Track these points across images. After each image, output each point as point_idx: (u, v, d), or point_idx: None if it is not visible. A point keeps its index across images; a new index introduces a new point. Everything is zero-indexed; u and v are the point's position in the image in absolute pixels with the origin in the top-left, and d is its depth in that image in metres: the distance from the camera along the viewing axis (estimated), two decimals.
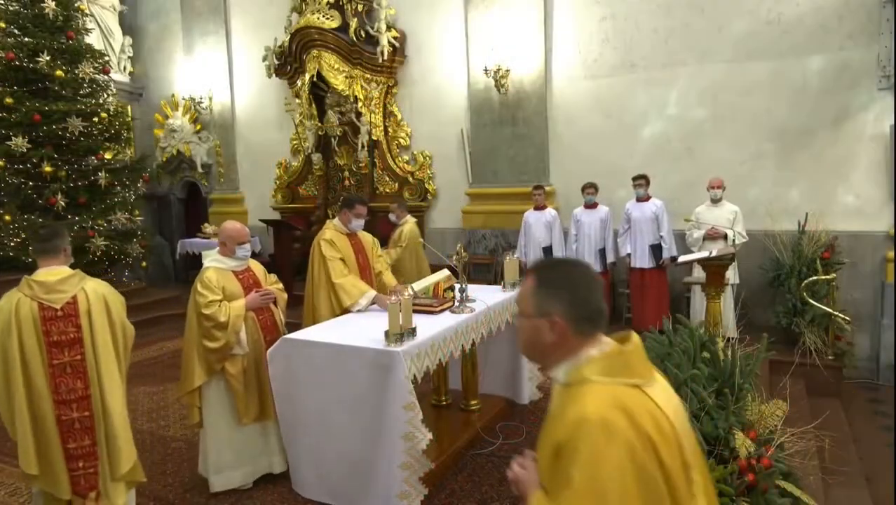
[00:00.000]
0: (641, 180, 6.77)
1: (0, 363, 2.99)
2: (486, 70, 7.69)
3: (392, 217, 6.95)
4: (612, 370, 1.32)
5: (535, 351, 1.46)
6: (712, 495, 1.43)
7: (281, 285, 4.16)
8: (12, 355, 2.96)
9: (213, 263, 3.81)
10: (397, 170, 8.87)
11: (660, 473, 1.22)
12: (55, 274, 3.11)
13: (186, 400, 3.85)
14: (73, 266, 3.29)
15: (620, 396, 1.28)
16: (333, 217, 5.01)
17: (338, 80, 8.67)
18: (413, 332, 3.47)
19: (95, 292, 3.17)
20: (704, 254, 4.99)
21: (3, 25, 8.36)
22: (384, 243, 6.36)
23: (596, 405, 1.26)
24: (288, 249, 8.85)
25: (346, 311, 4.29)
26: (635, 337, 1.40)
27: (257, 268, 4.02)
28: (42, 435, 3.02)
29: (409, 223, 6.82)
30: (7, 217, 8.06)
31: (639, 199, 6.85)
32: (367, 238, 4.83)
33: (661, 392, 1.37)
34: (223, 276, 3.76)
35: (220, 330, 3.62)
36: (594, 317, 1.39)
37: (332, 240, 4.53)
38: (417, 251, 6.69)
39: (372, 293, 4.35)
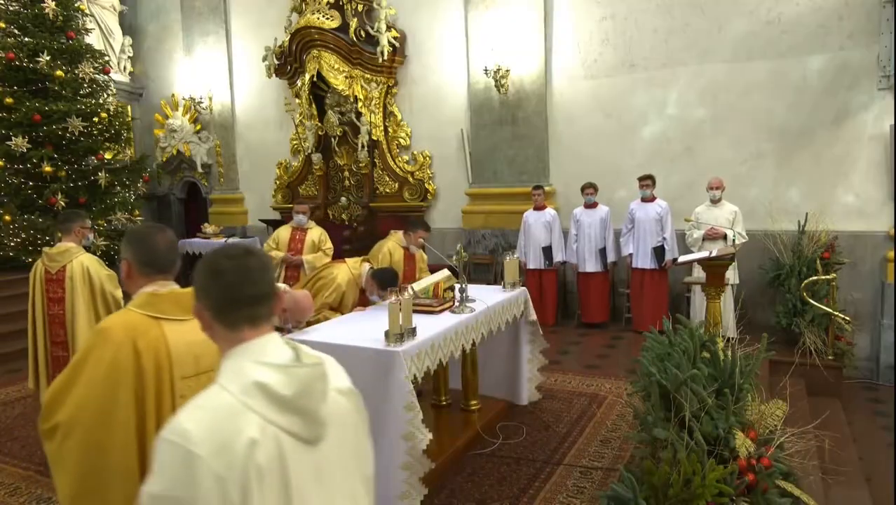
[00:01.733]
0: (648, 181, 6.75)
1: (30, 311, 4.13)
2: (486, 70, 7.69)
3: (302, 218, 6.72)
4: (142, 305, 1.86)
5: (124, 283, 2.01)
6: None
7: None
8: (31, 305, 4.10)
9: None
10: (397, 170, 8.87)
11: (135, 372, 1.76)
12: (59, 248, 4.11)
13: None
14: None
15: (132, 320, 1.82)
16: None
17: (338, 80, 8.67)
18: (413, 332, 3.47)
19: (82, 265, 4.08)
20: (704, 254, 4.98)
21: (2, 25, 8.36)
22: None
23: (111, 321, 1.87)
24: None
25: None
26: (182, 291, 1.90)
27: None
28: (40, 365, 4.13)
29: (315, 227, 6.84)
30: (7, 217, 8.06)
31: (644, 200, 6.84)
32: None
33: (181, 329, 1.86)
34: None
35: None
36: (151, 263, 1.91)
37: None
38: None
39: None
